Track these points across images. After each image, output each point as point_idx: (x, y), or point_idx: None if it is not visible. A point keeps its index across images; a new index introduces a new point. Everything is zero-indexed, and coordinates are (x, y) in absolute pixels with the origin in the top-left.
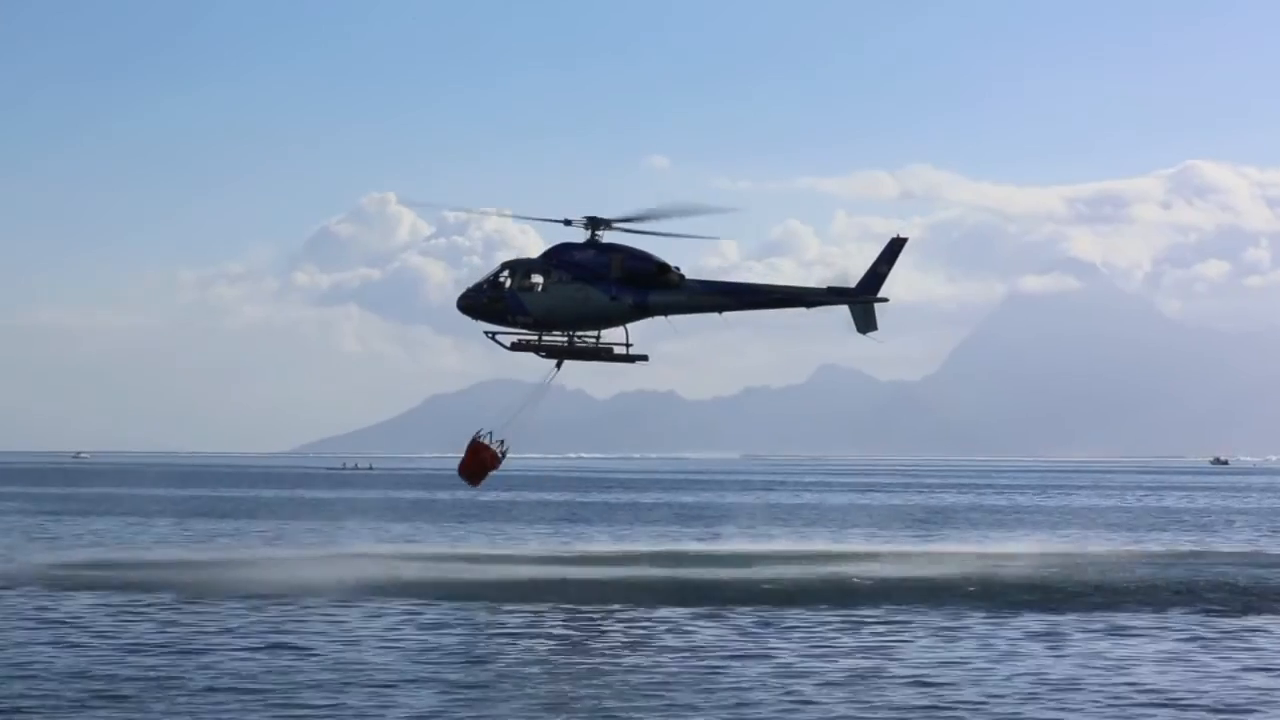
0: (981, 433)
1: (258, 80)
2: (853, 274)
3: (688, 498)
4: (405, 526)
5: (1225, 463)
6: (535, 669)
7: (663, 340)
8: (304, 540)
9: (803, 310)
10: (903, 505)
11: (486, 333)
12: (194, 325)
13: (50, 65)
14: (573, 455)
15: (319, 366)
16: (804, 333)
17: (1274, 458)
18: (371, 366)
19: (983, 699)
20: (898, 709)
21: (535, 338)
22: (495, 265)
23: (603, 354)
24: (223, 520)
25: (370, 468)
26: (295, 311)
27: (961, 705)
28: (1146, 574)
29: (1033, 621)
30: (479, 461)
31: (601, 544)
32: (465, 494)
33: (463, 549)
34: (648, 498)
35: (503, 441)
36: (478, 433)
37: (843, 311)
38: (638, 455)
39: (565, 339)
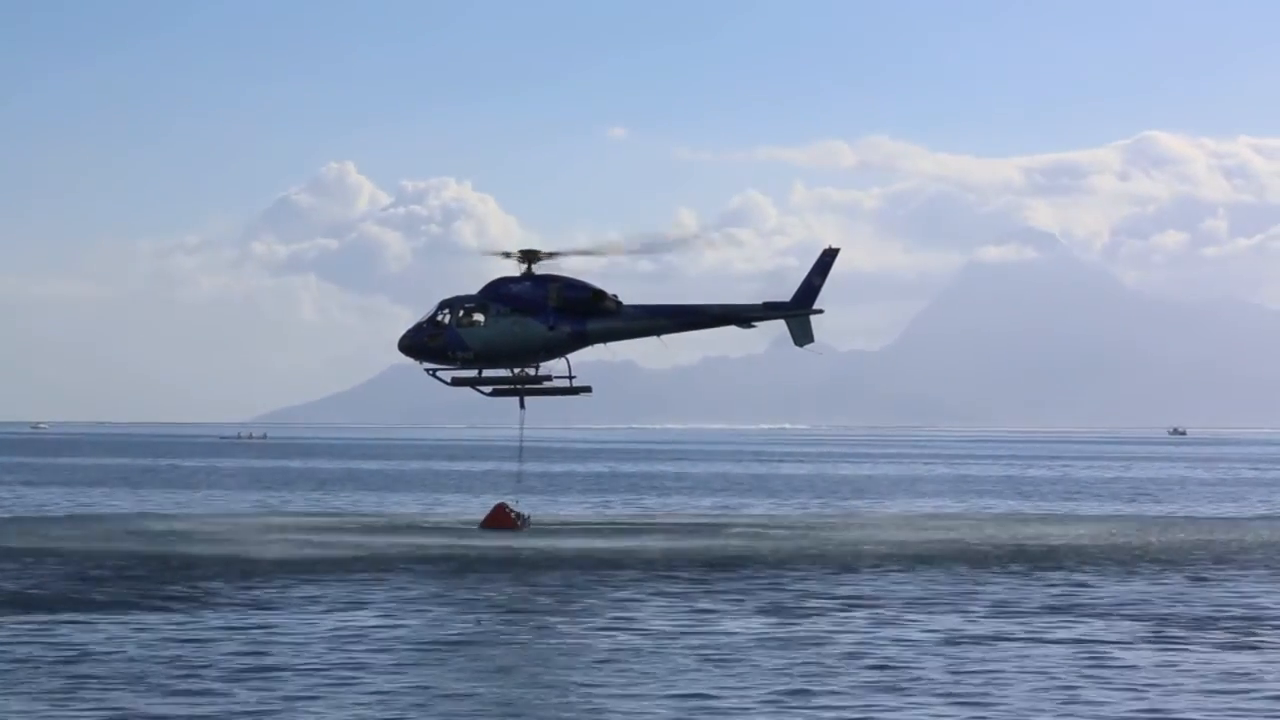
0: (940, 403)
1: (217, 48)
2: (809, 247)
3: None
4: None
5: (1183, 433)
6: None
7: None
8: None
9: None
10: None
11: (427, 369)
12: (152, 295)
13: (3, 29)
14: (545, 427)
15: (278, 337)
16: None
17: (1220, 429)
18: (330, 336)
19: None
20: None
21: (475, 373)
22: (433, 305)
23: (541, 383)
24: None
25: (265, 436)
26: (253, 282)
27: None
28: None
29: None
30: (497, 521)
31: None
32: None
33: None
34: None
35: (526, 515)
36: (504, 506)
37: (797, 280)
38: (603, 426)
39: (505, 373)
